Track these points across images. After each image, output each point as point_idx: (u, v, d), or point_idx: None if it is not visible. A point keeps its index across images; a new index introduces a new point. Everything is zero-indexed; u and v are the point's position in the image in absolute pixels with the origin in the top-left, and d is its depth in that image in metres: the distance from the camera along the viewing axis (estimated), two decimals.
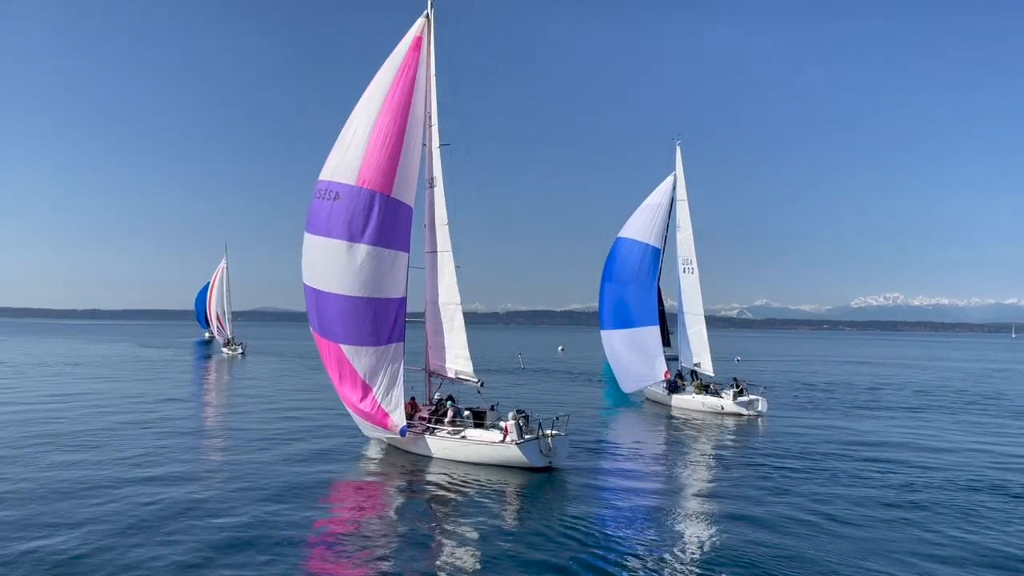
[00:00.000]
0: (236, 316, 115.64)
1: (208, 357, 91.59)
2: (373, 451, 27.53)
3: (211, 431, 32.48)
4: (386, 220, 25.35)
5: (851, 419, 38.81)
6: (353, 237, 25.14)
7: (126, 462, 24.54)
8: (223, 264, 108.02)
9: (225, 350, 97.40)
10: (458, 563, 15.56)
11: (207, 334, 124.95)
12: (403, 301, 26.47)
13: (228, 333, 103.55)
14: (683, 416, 39.48)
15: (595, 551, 16.29)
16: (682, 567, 15.36)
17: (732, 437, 32.51)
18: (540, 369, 76.29)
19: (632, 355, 44.58)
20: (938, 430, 35.41)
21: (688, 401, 42.15)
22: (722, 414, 39.45)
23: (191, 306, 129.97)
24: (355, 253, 25.22)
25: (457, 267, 27.35)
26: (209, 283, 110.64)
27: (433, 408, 27.32)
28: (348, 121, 26.05)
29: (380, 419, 26.29)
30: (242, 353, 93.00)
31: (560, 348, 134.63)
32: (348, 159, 25.43)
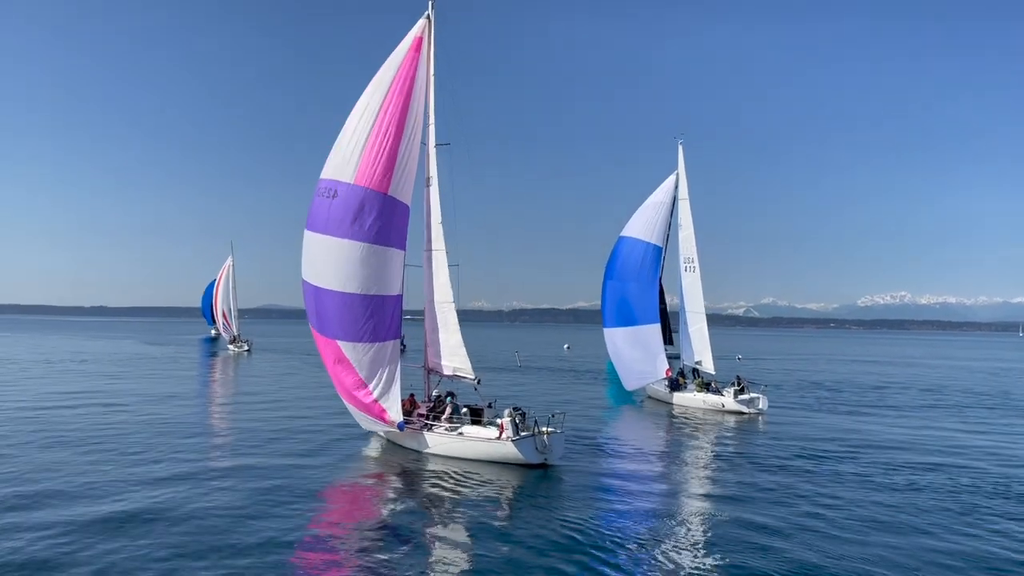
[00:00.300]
0: (242, 313, 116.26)
1: (214, 354, 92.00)
2: (371, 448, 27.69)
3: (212, 428, 32.69)
4: (382, 218, 25.57)
5: (854, 418, 38.80)
6: (350, 234, 25.38)
7: (126, 460, 24.71)
8: (229, 261, 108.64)
9: (231, 347, 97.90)
10: (452, 561, 15.69)
11: (213, 331, 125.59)
12: (399, 298, 26.72)
13: (234, 330, 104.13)
14: (684, 414, 39.58)
15: (590, 549, 16.37)
16: (674, 565, 15.43)
17: (731, 435, 32.57)
18: (545, 368, 76.36)
19: (634, 353, 44.71)
20: (942, 429, 35.35)
21: (689, 399, 42.25)
22: (723, 412, 39.54)
23: (198, 303, 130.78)
24: (352, 250, 25.45)
25: (455, 265, 27.65)
26: (215, 280, 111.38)
27: (431, 405, 27.56)
28: (348, 120, 26.25)
29: (378, 414, 26.58)
30: (248, 350, 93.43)
31: (566, 346, 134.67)
32: (346, 158, 25.68)
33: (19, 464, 23.51)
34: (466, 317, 27.76)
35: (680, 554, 16.14)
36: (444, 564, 15.42)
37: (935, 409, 43.78)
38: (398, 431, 26.55)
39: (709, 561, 15.69)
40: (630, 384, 45.56)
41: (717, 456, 27.61)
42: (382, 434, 28.43)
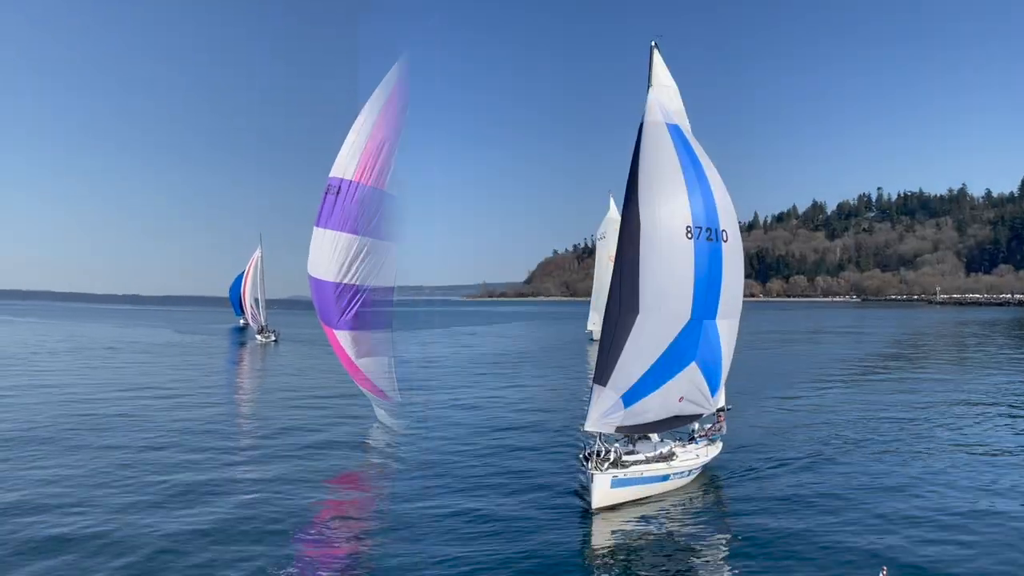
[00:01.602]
0: (271, 304, 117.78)
1: (243, 344, 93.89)
2: (372, 439, 29.02)
3: (231, 417, 34.31)
4: (378, 212, 26.97)
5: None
6: (347, 228, 26.76)
7: (148, 452, 26.40)
8: (258, 253, 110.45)
9: (259, 337, 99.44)
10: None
11: (241, 321, 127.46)
12: (390, 290, 28.18)
13: (262, 320, 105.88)
14: None
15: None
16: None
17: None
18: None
19: None
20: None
21: None
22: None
23: (227, 293, 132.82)
24: (348, 243, 26.83)
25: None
26: (244, 272, 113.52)
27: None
28: (355, 120, 27.43)
29: (378, 394, 28.69)
30: (275, 340, 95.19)
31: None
32: (349, 156, 26.94)
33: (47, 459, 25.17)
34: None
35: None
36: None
37: None
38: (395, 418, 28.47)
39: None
40: None
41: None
42: (380, 418, 30.34)
